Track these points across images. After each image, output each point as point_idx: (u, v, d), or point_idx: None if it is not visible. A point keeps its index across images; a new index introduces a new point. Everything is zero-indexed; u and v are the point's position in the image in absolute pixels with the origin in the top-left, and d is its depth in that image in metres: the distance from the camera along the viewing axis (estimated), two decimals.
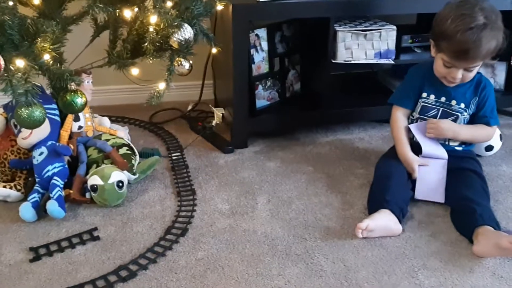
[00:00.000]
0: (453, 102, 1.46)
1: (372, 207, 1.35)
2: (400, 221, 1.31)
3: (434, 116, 1.48)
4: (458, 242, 1.28)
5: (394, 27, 1.72)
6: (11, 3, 1.19)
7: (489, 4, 1.36)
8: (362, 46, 1.71)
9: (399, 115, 1.52)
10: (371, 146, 1.76)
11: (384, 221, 1.29)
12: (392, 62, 1.75)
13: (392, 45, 1.73)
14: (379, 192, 1.38)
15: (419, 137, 1.47)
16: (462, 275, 1.18)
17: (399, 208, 1.32)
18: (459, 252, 1.25)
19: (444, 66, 1.39)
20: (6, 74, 1.08)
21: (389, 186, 1.37)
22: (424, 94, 1.49)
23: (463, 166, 1.45)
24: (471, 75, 1.41)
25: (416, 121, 1.51)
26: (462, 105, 1.46)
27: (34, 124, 1.13)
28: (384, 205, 1.31)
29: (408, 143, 1.48)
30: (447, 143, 1.49)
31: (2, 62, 1.07)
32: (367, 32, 1.70)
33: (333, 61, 1.72)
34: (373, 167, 1.56)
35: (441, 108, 1.48)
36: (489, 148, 1.64)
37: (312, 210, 1.41)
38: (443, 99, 1.47)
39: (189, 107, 1.99)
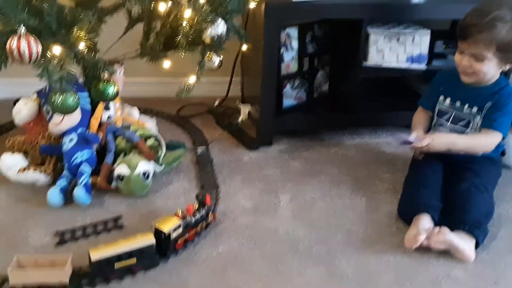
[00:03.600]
0: (466, 106, 1.43)
1: (408, 211, 1.33)
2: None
3: (447, 120, 1.47)
4: (483, 253, 1.25)
5: (429, 31, 1.70)
6: None
7: None
8: (394, 49, 1.69)
9: (419, 113, 1.55)
10: (398, 151, 1.73)
11: (429, 226, 1.27)
12: (424, 68, 1.72)
13: (425, 50, 1.71)
14: (415, 197, 1.35)
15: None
16: (487, 287, 1.15)
17: (437, 214, 1.30)
18: (483, 263, 1.22)
19: (458, 52, 1.38)
20: (43, 60, 1.11)
21: (425, 191, 1.35)
22: (441, 98, 1.49)
23: (465, 167, 1.41)
24: (480, 67, 1.35)
25: (435, 125, 1.51)
26: (475, 109, 1.42)
27: (67, 110, 1.15)
28: (423, 209, 1.30)
29: (421, 126, 1.51)
30: None
31: (40, 48, 1.10)
32: (400, 36, 1.67)
33: (364, 64, 1.70)
34: (399, 173, 1.54)
35: (454, 111, 1.46)
36: None
37: (335, 212, 1.40)
38: (458, 103, 1.45)
39: (216, 103, 2.01)
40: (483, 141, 1.41)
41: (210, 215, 1.31)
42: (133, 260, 1.13)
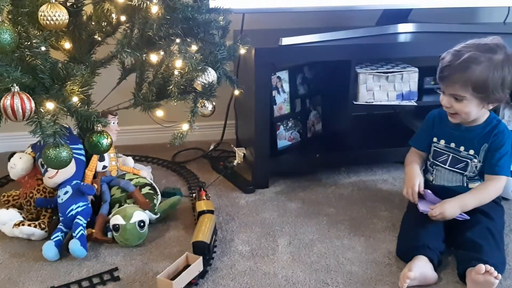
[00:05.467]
0: (462, 148, 1.43)
1: (406, 252, 1.31)
2: (435, 268, 1.26)
3: (444, 162, 1.46)
4: None
5: (416, 69, 1.73)
6: (43, 48, 1.24)
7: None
8: (384, 87, 1.72)
9: (412, 153, 1.54)
10: (394, 188, 1.73)
11: (424, 268, 1.25)
12: (414, 104, 1.74)
13: (414, 87, 1.74)
14: (412, 238, 1.33)
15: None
16: None
17: (436, 255, 1.28)
18: None
19: (441, 93, 1.40)
20: (36, 116, 1.12)
21: (423, 231, 1.33)
22: (435, 139, 1.48)
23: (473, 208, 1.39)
24: (460, 107, 1.35)
25: (431, 165, 1.49)
26: (471, 152, 1.42)
27: (60, 164, 1.16)
28: (421, 251, 1.27)
29: (417, 167, 1.48)
30: (465, 185, 1.44)
31: (33, 105, 1.11)
32: (389, 74, 1.71)
33: (355, 103, 1.72)
34: (397, 210, 1.53)
35: (451, 154, 1.45)
36: None
37: (334, 254, 1.38)
38: (452, 144, 1.45)
39: (211, 147, 2.02)
40: (492, 190, 1.40)
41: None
42: (216, 237, 1.40)
